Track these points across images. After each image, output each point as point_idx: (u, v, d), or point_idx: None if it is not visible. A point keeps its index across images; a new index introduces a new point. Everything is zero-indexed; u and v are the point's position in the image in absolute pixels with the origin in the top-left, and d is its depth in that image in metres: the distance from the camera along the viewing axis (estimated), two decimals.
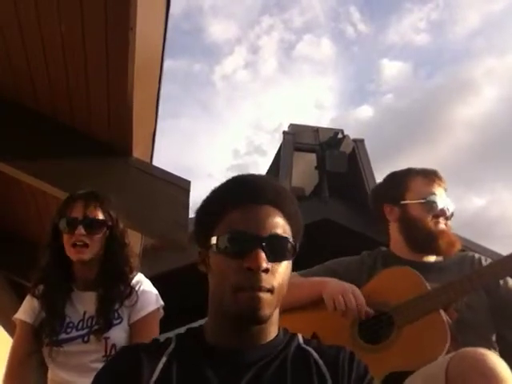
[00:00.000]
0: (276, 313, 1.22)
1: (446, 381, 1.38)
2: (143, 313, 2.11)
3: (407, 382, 1.61)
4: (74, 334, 2.03)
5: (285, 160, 7.56)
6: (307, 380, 1.14)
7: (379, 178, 7.40)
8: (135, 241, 3.33)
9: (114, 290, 2.08)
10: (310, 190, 8.08)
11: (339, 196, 7.65)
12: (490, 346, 1.81)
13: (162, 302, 2.20)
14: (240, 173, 1.32)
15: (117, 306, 2.07)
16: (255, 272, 1.11)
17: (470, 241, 6.62)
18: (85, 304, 2.09)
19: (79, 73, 2.87)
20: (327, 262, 2.28)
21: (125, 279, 2.12)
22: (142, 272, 2.24)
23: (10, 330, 4.83)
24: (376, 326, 1.94)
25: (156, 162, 3.76)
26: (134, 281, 2.14)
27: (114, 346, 2.03)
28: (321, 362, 1.18)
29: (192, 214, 3.32)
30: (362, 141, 8.07)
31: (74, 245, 2.06)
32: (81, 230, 2.05)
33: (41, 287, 2.11)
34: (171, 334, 1.26)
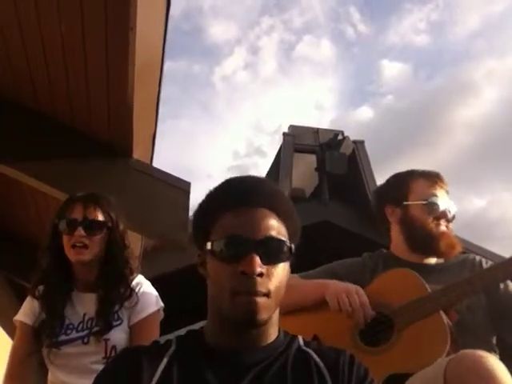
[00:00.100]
0: (276, 315, 1.21)
1: (445, 383, 1.37)
2: (143, 314, 2.10)
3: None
4: (74, 335, 2.03)
5: (285, 161, 7.56)
6: (307, 382, 1.14)
7: (379, 179, 7.41)
8: (135, 242, 3.33)
9: (114, 291, 2.07)
10: (309, 191, 8.08)
11: (339, 198, 7.64)
12: (489, 349, 1.80)
13: (162, 304, 2.19)
14: (240, 174, 1.32)
15: (117, 308, 2.07)
16: (250, 276, 1.10)
17: (470, 242, 6.61)
18: (85, 305, 2.09)
19: (79, 73, 2.87)
20: (328, 263, 2.27)
21: (125, 281, 2.11)
22: (142, 273, 2.24)
23: (10, 331, 4.83)
24: (376, 329, 1.93)
25: (156, 163, 3.77)
26: (134, 282, 2.14)
27: (114, 347, 2.02)
28: (321, 364, 1.18)
29: (192, 214, 3.31)
30: (362, 142, 8.06)
31: (74, 246, 2.05)
32: (80, 231, 2.05)
33: (41, 288, 2.11)
34: (171, 336, 1.26)
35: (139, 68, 2.65)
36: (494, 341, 2.01)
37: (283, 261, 1.18)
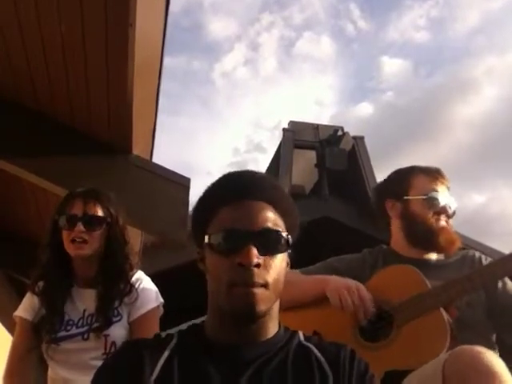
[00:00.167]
0: (275, 309, 1.22)
1: (443, 379, 1.38)
2: (143, 310, 2.11)
3: (406, 381, 1.63)
4: (74, 331, 2.04)
5: (285, 157, 7.55)
6: (308, 376, 1.15)
7: (379, 175, 7.40)
8: (135, 238, 3.33)
9: (113, 287, 2.08)
10: (309, 187, 8.06)
11: (339, 194, 7.63)
12: (489, 346, 1.78)
13: (161, 300, 2.20)
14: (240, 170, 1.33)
15: (117, 304, 2.08)
16: (247, 268, 1.11)
17: (470, 238, 6.60)
18: (85, 301, 2.10)
19: (79, 72, 2.87)
20: (328, 259, 2.28)
21: (125, 277, 2.12)
22: (142, 269, 2.24)
23: (10, 327, 4.83)
24: (376, 325, 1.93)
25: (156, 160, 3.77)
26: (133, 278, 2.14)
27: (113, 343, 2.03)
28: (322, 358, 1.18)
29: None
30: (361, 138, 8.05)
31: (73, 241, 2.06)
32: (80, 226, 2.05)
33: (41, 284, 2.12)
34: (172, 331, 1.27)
35: (139, 65, 2.65)
36: (494, 338, 2.01)
37: (280, 252, 1.19)
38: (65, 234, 2.08)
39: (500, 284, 2.03)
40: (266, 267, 1.14)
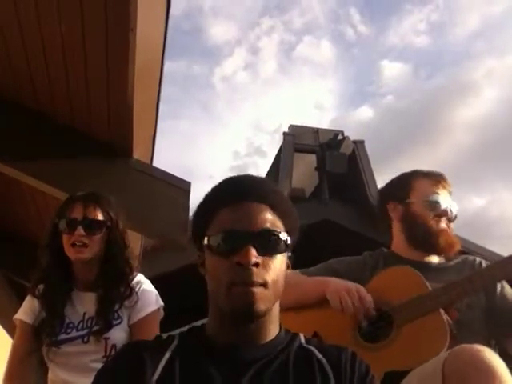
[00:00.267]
0: (275, 311, 1.23)
1: (443, 377, 1.38)
2: (143, 313, 2.11)
3: (405, 381, 1.62)
4: (74, 334, 2.03)
5: (285, 161, 7.56)
6: (310, 378, 1.15)
7: (379, 179, 7.43)
8: (135, 241, 3.33)
9: (113, 291, 2.08)
10: (310, 191, 8.08)
11: (339, 197, 7.64)
12: (489, 347, 1.80)
13: (161, 303, 2.20)
14: (240, 174, 1.33)
15: (117, 307, 2.07)
16: (246, 267, 1.12)
17: (470, 241, 6.61)
18: (85, 305, 2.10)
19: (79, 73, 2.87)
20: (328, 260, 2.29)
21: (125, 280, 2.12)
22: (142, 272, 2.24)
23: (10, 330, 4.83)
24: (376, 325, 1.94)
25: (156, 163, 3.77)
26: (133, 281, 2.14)
27: (113, 346, 2.03)
28: (324, 360, 1.19)
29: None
30: (362, 142, 8.07)
31: (73, 244, 2.06)
32: (80, 230, 2.05)
33: (41, 287, 2.12)
34: (173, 333, 1.27)
35: (139, 68, 2.64)
36: (494, 340, 2.01)
37: (279, 253, 1.19)
38: (65, 237, 2.08)
39: (499, 287, 2.04)
40: (265, 267, 1.15)
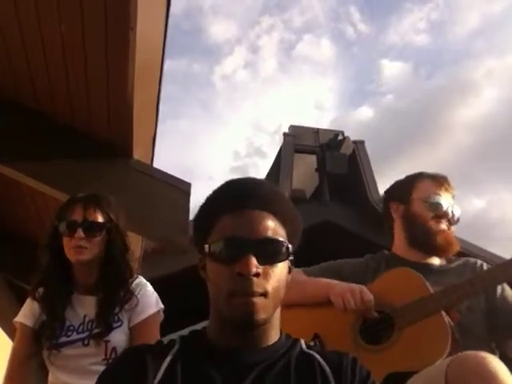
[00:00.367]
0: (276, 317, 1.22)
1: (446, 383, 1.38)
2: (143, 316, 2.10)
3: None
4: (75, 337, 2.03)
5: (285, 162, 7.57)
6: (311, 382, 1.14)
7: (380, 179, 7.44)
8: (136, 243, 3.32)
9: (114, 294, 2.08)
10: (310, 191, 8.10)
11: (339, 198, 7.66)
12: (489, 350, 1.80)
13: (162, 305, 2.19)
14: (241, 175, 1.33)
15: (117, 310, 2.07)
16: (246, 277, 1.11)
17: (470, 243, 6.62)
18: (85, 308, 2.09)
19: (79, 73, 2.87)
20: (331, 261, 2.30)
21: (125, 283, 2.11)
22: (142, 275, 2.24)
23: (10, 333, 4.83)
24: (377, 327, 1.95)
25: (156, 164, 3.76)
26: (133, 284, 2.14)
27: (114, 349, 2.02)
28: (325, 365, 1.18)
29: (192, 217, 3.30)
30: (362, 142, 8.09)
31: (73, 247, 2.05)
32: (80, 233, 2.04)
33: (41, 290, 2.11)
34: (174, 336, 1.27)
35: (139, 67, 2.64)
36: (494, 343, 2.02)
37: (281, 261, 1.18)
38: (65, 240, 2.08)
39: (499, 289, 2.05)
40: (266, 276, 1.15)
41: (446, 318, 1.84)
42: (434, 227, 2.11)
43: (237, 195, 1.21)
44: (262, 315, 1.12)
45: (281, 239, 1.18)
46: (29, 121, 3.30)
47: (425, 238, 2.11)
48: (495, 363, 1.36)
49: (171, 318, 2.36)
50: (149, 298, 2.15)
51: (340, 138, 8.03)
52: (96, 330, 2.02)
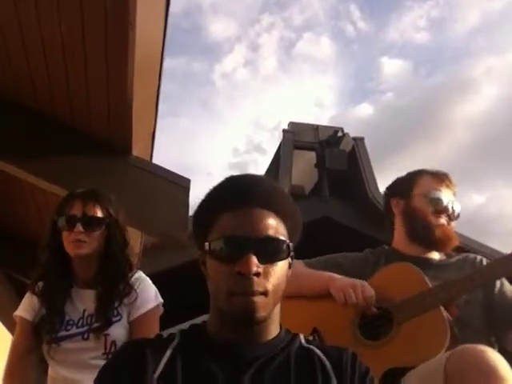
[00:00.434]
0: (276, 312, 1.22)
1: (445, 377, 1.39)
2: (143, 310, 2.11)
3: (406, 379, 1.63)
4: (74, 331, 2.04)
5: (284, 158, 7.57)
6: (311, 377, 1.15)
7: (379, 176, 7.45)
8: (135, 239, 3.33)
9: (113, 288, 2.09)
10: (309, 188, 8.09)
11: (339, 194, 7.66)
12: (489, 344, 1.80)
13: (161, 299, 2.20)
14: (240, 171, 1.33)
15: (116, 304, 2.08)
16: (246, 276, 1.11)
17: (470, 238, 6.63)
18: (84, 302, 2.10)
19: (79, 73, 2.86)
20: (332, 254, 2.30)
21: (124, 278, 2.12)
22: (142, 270, 2.25)
23: (10, 327, 4.83)
24: (376, 322, 1.95)
25: (156, 161, 3.76)
26: (133, 278, 2.15)
27: (113, 343, 2.04)
28: (325, 360, 1.19)
29: (192, 213, 3.32)
30: (361, 139, 8.09)
31: (73, 241, 2.06)
32: (79, 227, 2.05)
33: (40, 285, 2.12)
34: (173, 331, 1.27)
35: (139, 66, 2.64)
36: (493, 336, 2.02)
37: (281, 259, 1.18)
38: (64, 234, 2.09)
39: (498, 284, 2.05)
40: (267, 275, 1.14)
41: (445, 313, 1.85)
42: (434, 222, 2.12)
43: (237, 193, 1.20)
44: (262, 313, 1.12)
45: (281, 238, 1.18)
46: (29, 121, 3.29)
47: (424, 233, 2.12)
48: (494, 356, 1.37)
49: (171, 313, 2.37)
50: (148, 293, 2.16)
51: (339, 134, 8.02)
52: (95, 324, 2.03)
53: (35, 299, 2.12)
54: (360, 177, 7.62)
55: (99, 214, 2.11)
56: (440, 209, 2.14)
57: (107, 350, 2.03)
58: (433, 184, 2.18)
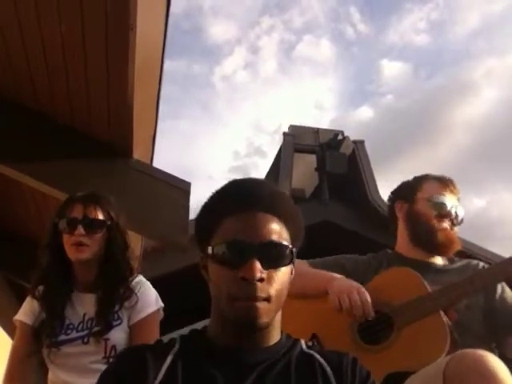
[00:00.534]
0: (278, 318, 1.22)
1: (444, 382, 1.38)
2: (143, 314, 2.10)
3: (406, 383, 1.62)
4: (74, 335, 2.03)
5: (285, 161, 7.59)
6: (312, 382, 1.14)
7: (379, 179, 7.46)
8: (136, 242, 3.32)
9: (113, 292, 2.08)
10: (310, 191, 8.11)
11: (339, 197, 7.68)
12: (489, 349, 1.80)
13: (161, 303, 2.19)
14: (240, 175, 1.32)
15: (116, 308, 2.07)
16: (250, 282, 1.10)
17: (471, 242, 6.63)
18: (85, 306, 2.09)
19: (79, 73, 2.86)
20: (337, 255, 2.31)
21: (125, 281, 2.12)
22: (142, 273, 2.24)
23: (10, 331, 4.83)
24: (376, 327, 1.94)
25: (156, 164, 3.75)
26: (133, 282, 2.14)
27: (113, 347, 2.03)
28: (325, 365, 1.18)
29: (192, 216, 3.31)
30: (362, 142, 8.11)
31: (74, 244, 2.05)
32: (80, 229, 2.05)
33: (41, 288, 2.12)
34: (173, 335, 1.27)
35: (139, 67, 2.64)
36: (494, 342, 2.02)
37: (285, 265, 1.17)
38: (65, 237, 2.08)
39: (499, 289, 2.06)
40: (270, 281, 1.14)
41: (445, 318, 1.84)
42: (437, 226, 2.12)
43: (240, 197, 1.20)
44: (264, 319, 1.12)
45: (285, 243, 1.17)
46: (29, 121, 3.29)
47: (427, 236, 2.13)
48: (493, 361, 1.36)
49: (171, 317, 2.36)
50: (148, 297, 2.15)
51: (340, 137, 8.04)
52: (96, 328, 2.02)
53: (35, 303, 2.11)
54: (360, 180, 7.64)
55: (100, 216, 2.11)
56: (443, 213, 2.14)
57: (107, 354, 2.02)
58: (437, 188, 2.19)
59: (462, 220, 2.18)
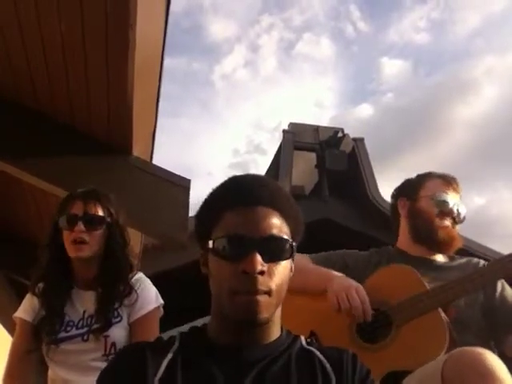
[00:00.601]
0: (278, 314, 1.22)
1: (443, 380, 1.38)
2: (143, 311, 2.10)
3: (405, 382, 1.62)
4: (74, 332, 2.03)
5: (285, 159, 7.58)
6: (312, 378, 1.15)
7: (379, 176, 7.46)
8: (135, 239, 3.33)
9: (113, 289, 2.08)
10: (309, 188, 8.10)
11: (339, 195, 7.67)
12: (488, 347, 1.80)
13: (161, 301, 2.19)
14: (240, 171, 1.33)
15: (116, 305, 2.07)
16: (251, 275, 1.10)
17: (471, 240, 6.63)
18: (84, 303, 2.10)
19: (79, 73, 2.86)
20: (339, 250, 2.31)
21: (124, 279, 2.12)
22: (142, 270, 2.25)
23: (10, 328, 4.83)
24: (374, 325, 1.94)
25: (156, 161, 3.76)
26: (133, 279, 2.14)
27: (113, 344, 2.03)
28: (325, 362, 1.19)
29: (192, 213, 3.32)
30: (361, 140, 8.10)
31: (74, 242, 2.06)
32: (81, 226, 2.05)
33: (41, 286, 2.12)
34: (173, 333, 1.27)
35: (139, 66, 2.64)
36: (493, 339, 2.02)
37: (285, 259, 1.18)
38: (65, 234, 2.08)
39: (499, 287, 2.06)
40: (270, 274, 1.14)
41: (444, 316, 1.84)
42: (438, 223, 2.13)
43: (241, 191, 1.21)
44: (265, 314, 1.12)
45: (285, 237, 1.18)
46: (29, 120, 3.29)
47: (428, 233, 2.14)
48: (492, 359, 1.36)
49: (171, 314, 2.37)
50: (148, 294, 2.16)
51: (340, 135, 8.03)
52: (95, 326, 2.02)
53: (35, 300, 2.12)
54: (360, 177, 7.64)
55: (100, 213, 2.11)
56: (445, 211, 2.15)
57: (107, 352, 2.01)
58: (440, 186, 2.20)
59: (464, 218, 2.18)
